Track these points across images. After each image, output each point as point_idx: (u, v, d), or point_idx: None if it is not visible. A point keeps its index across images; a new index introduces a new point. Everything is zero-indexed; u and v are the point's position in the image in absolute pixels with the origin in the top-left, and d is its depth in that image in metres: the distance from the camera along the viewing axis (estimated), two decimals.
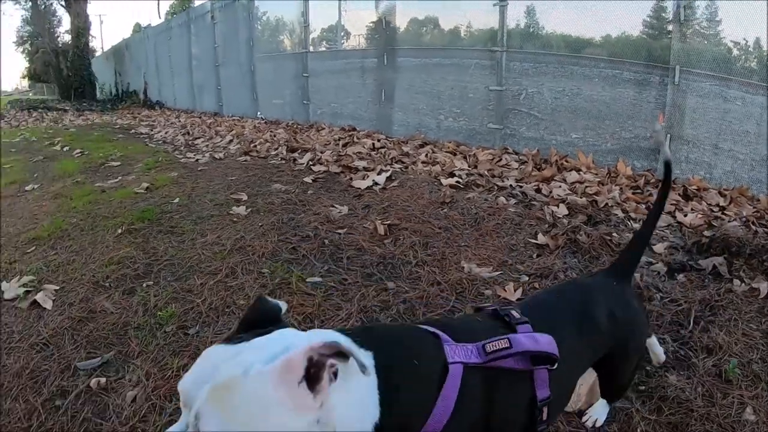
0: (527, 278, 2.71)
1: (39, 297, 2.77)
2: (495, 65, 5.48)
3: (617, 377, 1.52)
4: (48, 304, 2.71)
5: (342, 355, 0.76)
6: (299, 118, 8.50)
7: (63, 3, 23.56)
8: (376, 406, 0.86)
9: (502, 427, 1.06)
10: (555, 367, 1.10)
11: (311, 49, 8.46)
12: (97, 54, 27.58)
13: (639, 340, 1.53)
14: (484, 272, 2.76)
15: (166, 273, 2.95)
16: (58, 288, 2.87)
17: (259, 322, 0.85)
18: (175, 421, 0.77)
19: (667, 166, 1.58)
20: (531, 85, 5.42)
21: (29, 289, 2.93)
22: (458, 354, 0.99)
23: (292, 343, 0.76)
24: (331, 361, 0.75)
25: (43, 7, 26.12)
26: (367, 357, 0.87)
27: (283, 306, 0.94)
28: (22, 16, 32.52)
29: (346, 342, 0.79)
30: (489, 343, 1.03)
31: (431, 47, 6.90)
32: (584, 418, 1.78)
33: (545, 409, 1.10)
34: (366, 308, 2.48)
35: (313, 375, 0.74)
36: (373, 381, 0.87)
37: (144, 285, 2.81)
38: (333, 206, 3.85)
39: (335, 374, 0.77)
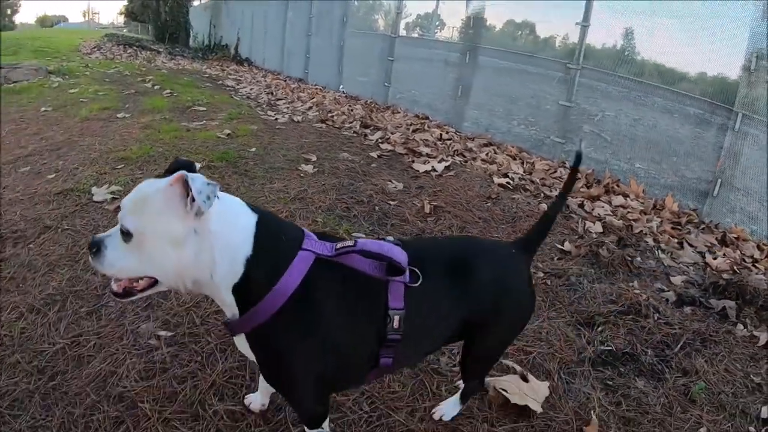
0: (542, 275, 3.12)
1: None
2: (569, 81, 5.79)
3: (479, 345, 1.64)
4: None
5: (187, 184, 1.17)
6: (378, 98, 8.96)
7: None
8: (248, 245, 1.27)
9: (352, 321, 1.37)
10: (414, 284, 1.38)
11: (402, 33, 8.82)
12: (195, 4, 29.14)
13: (515, 312, 1.63)
14: None
15: None
16: None
17: (177, 171, 1.24)
18: None
19: (578, 156, 1.71)
20: (609, 108, 5.67)
21: (116, 196, 3.65)
22: (313, 246, 1.34)
23: (178, 173, 1.21)
24: (210, 188, 1.17)
25: None
26: (246, 211, 1.31)
27: (197, 165, 1.38)
28: None
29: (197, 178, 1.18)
30: (339, 243, 1.37)
31: (516, 52, 7.14)
32: (433, 410, 1.98)
33: (397, 318, 1.36)
34: None
35: (188, 194, 1.18)
36: (249, 230, 1.28)
37: None
38: (390, 181, 4.36)
39: (209, 198, 1.17)
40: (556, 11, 6.33)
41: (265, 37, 15.54)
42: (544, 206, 4.17)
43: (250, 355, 1.40)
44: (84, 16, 78.50)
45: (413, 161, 5.01)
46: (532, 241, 1.72)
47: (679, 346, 2.54)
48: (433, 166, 4.82)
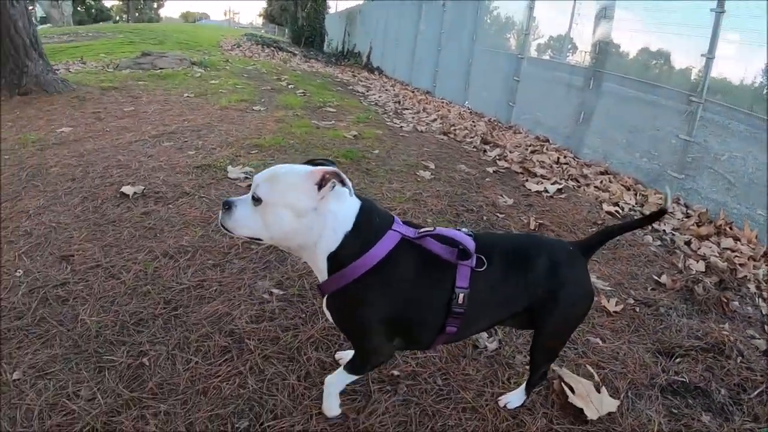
0: (632, 301, 3.28)
1: None
2: (691, 114, 5.71)
3: (539, 334, 1.91)
4: None
5: (342, 181, 1.58)
6: (501, 117, 9.18)
7: None
8: (350, 222, 1.65)
9: (425, 292, 1.72)
10: (480, 268, 1.71)
11: (529, 55, 8.95)
12: (331, 11, 30.62)
13: (571, 304, 1.85)
14: (599, 283, 3.41)
15: None
16: None
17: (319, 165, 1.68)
18: None
19: (662, 211, 1.90)
20: (739, 149, 5.53)
21: (248, 176, 4.28)
22: (401, 228, 1.72)
23: (320, 167, 1.62)
24: (333, 180, 1.57)
25: None
26: (353, 198, 1.68)
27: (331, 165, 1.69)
28: None
29: (345, 178, 1.59)
30: (422, 228, 1.75)
31: (640, 80, 6.99)
32: (500, 398, 2.24)
33: (462, 296, 1.69)
34: None
35: (322, 183, 1.58)
36: (353, 212, 1.66)
37: None
38: (501, 195, 4.66)
39: (333, 187, 1.59)
40: (681, 41, 6.29)
41: (396, 48, 16.19)
42: (648, 238, 4.30)
43: (330, 317, 1.79)
44: (224, 15, 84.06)
45: (527, 180, 5.25)
46: (589, 246, 1.96)
47: (756, 392, 2.53)
48: (545, 187, 5.03)
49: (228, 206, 1.69)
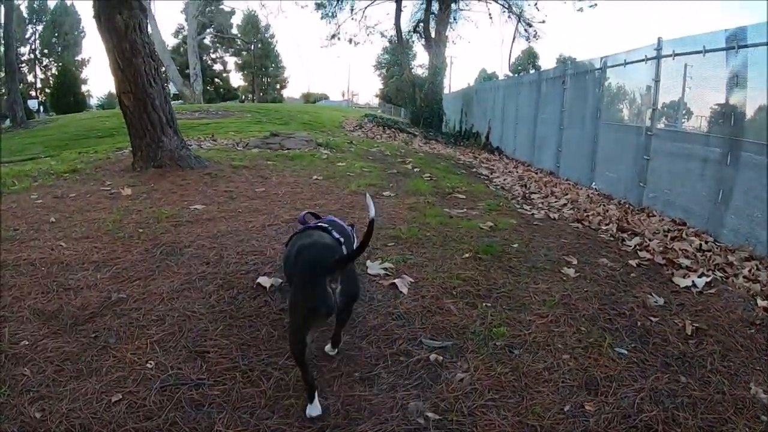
0: None
1: (398, 282, 3.84)
2: None
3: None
4: (404, 289, 3.74)
5: None
6: (631, 198, 8.58)
7: (423, 44, 27.58)
8: None
9: None
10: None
11: (656, 130, 8.30)
12: (446, 91, 31.24)
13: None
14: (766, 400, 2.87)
15: (502, 301, 3.70)
16: (413, 281, 3.86)
17: None
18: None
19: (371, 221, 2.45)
20: None
21: (388, 273, 4.03)
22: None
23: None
24: None
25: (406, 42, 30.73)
26: None
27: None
28: (383, 46, 39.97)
29: None
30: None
31: None
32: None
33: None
34: (656, 390, 2.82)
35: None
36: None
37: (483, 304, 3.61)
38: (651, 294, 4.16)
39: None
40: None
41: (515, 128, 15.98)
42: None
43: None
44: (342, 96, 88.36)
45: (673, 274, 4.77)
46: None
47: None
48: (693, 281, 4.55)
49: None
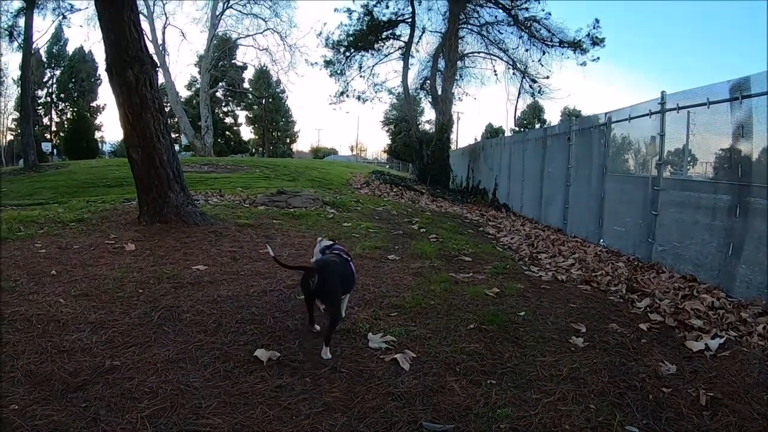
0: None
1: (399, 357, 3.72)
2: None
3: None
4: (406, 366, 3.63)
5: None
6: (640, 253, 8.39)
7: (431, 101, 28.30)
8: None
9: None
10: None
11: (664, 184, 8.04)
12: (452, 146, 31.51)
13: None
14: None
15: (507, 378, 3.57)
16: (415, 356, 3.74)
17: None
18: None
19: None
20: None
21: (390, 347, 3.91)
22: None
23: None
24: None
25: (413, 99, 31.30)
26: None
27: None
28: (389, 103, 40.66)
29: None
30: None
31: None
32: None
33: None
34: None
35: None
36: None
37: (488, 381, 3.48)
38: (662, 362, 4.03)
39: None
40: None
41: (522, 184, 15.95)
42: None
43: None
44: (351, 150, 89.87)
45: (685, 337, 4.66)
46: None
47: None
48: (706, 344, 4.42)
49: None
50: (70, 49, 61.50)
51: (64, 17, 30.27)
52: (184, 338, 3.87)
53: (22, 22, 25.25)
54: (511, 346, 4.12)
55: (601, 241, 9.86)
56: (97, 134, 59.45)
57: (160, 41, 37.72)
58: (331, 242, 4.60)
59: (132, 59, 7.77)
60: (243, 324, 4.22)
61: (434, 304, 4.94)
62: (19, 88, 29.32)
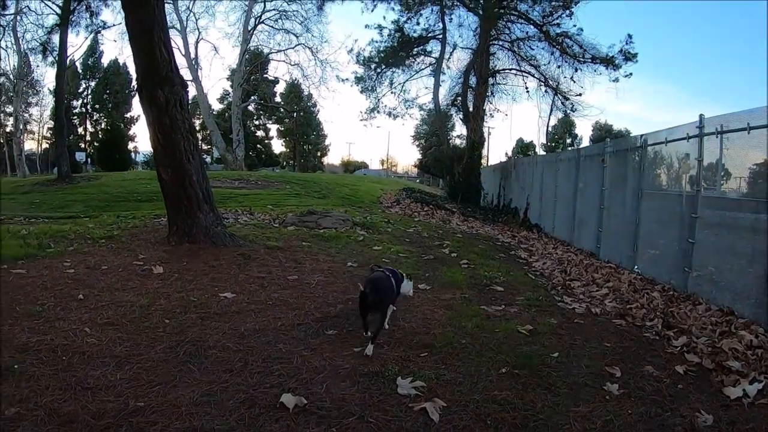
0: None
1: (428, 407, 3.58)
2: None
3: None
4: (435, 417, 3.48)
5: None
6: (676, 281, 8.02)
7: (461, 118, 28.19)
8: None
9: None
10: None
11: (700, 212, 7.60)
12: (483, 162, 31.31)
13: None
14: None
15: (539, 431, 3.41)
16: (444, 405, 3.60)
17: None
18: None
19: None
20: None
21: (419, 393, 3.78)
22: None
23: None
24: None
25: (444, 115, 31.35)
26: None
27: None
28: (420, 117, 40.61)
29: None
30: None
31: None
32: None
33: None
34: None
35: None
36: None
37: None
38: (699, 412, 3.85)
39: None
40: None
41: (554, 205, 15.70)
42: None
43: None
44: (381, 164, 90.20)
45: (722, 381, 4.44)
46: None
47: None
48: (744, 390, 4.21)
49: None
50: (105, 61, 63.06)
51: (98, 33, 31.05)
52: (209, 377, 3.80)
53: (56, 38, 25.93)
54: (543, 393, 3.96)
55: (636, 267, 9.55)
56: (131, 144, 60.60)
57: (192, 55, 38.25)
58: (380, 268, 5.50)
59: (162, 80, 7.85)
60: (270, 363, 4.14)
61: (465, 343, 4.81)
62: (54, 99, 30.09)
